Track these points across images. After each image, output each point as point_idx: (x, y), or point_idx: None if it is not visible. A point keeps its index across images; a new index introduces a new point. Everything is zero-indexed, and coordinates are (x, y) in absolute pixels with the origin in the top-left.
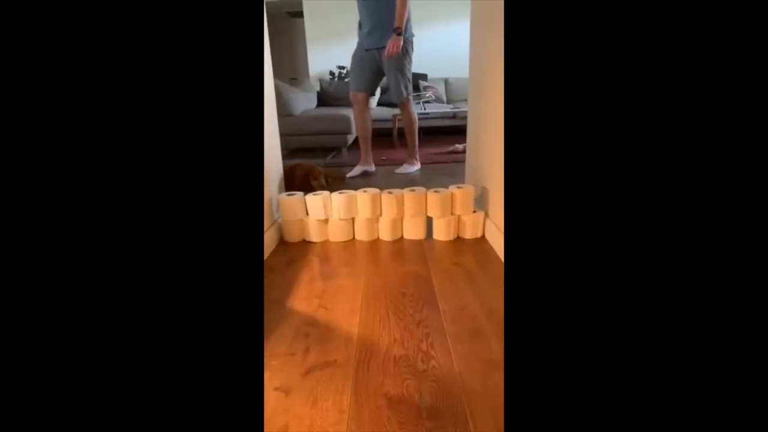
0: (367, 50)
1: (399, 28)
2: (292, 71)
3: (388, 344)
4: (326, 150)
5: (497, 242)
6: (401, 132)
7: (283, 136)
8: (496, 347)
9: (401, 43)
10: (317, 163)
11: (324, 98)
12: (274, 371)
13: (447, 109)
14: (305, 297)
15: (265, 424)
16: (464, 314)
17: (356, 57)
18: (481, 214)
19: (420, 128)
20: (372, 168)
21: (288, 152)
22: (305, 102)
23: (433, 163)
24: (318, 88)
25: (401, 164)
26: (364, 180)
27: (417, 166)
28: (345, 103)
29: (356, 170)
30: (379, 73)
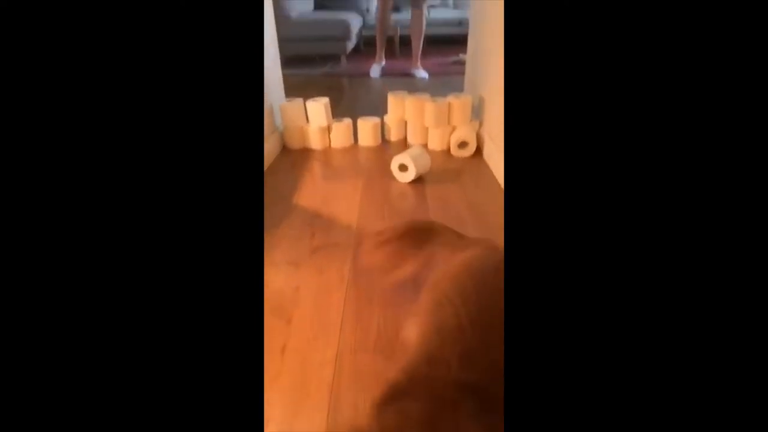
0: None
1: None
2: None
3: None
4: (324, 58)
5: (488, 150)
6: (402, 41)
7: (279, 42)
8: (472, 233)
9: None
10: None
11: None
12: (285, 249)
13: (452, 15)
14: (309, 195)
15: (280, 288)
16: (448, 204)
17: None
18: (475, 124)
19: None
20: (383, 63)
21: (285, 60)
22: (301, 2)
23: (435, 74)
24: None
25: (402, 75)
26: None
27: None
28: (343, 5)
29: (376, 71)
30: None
